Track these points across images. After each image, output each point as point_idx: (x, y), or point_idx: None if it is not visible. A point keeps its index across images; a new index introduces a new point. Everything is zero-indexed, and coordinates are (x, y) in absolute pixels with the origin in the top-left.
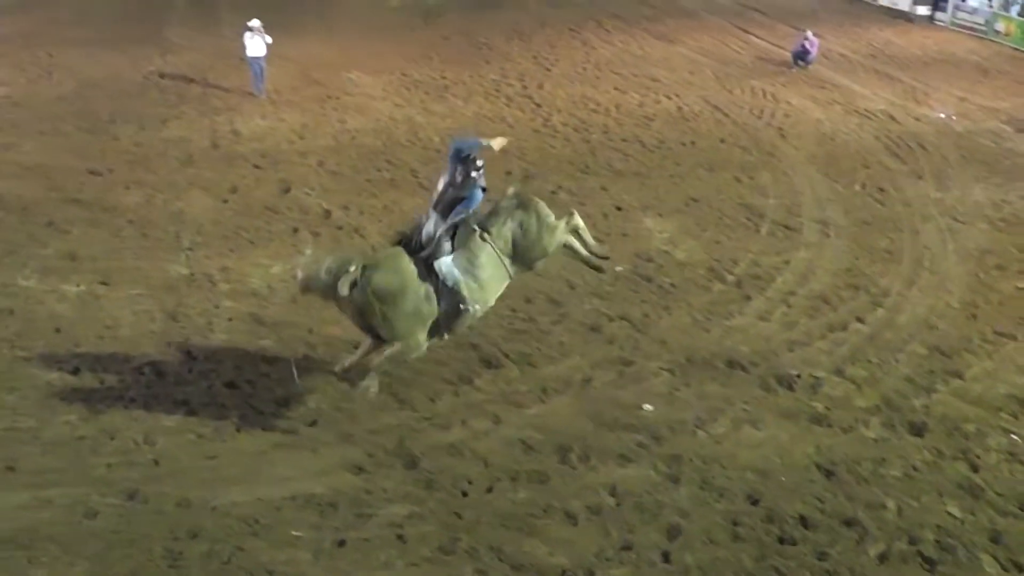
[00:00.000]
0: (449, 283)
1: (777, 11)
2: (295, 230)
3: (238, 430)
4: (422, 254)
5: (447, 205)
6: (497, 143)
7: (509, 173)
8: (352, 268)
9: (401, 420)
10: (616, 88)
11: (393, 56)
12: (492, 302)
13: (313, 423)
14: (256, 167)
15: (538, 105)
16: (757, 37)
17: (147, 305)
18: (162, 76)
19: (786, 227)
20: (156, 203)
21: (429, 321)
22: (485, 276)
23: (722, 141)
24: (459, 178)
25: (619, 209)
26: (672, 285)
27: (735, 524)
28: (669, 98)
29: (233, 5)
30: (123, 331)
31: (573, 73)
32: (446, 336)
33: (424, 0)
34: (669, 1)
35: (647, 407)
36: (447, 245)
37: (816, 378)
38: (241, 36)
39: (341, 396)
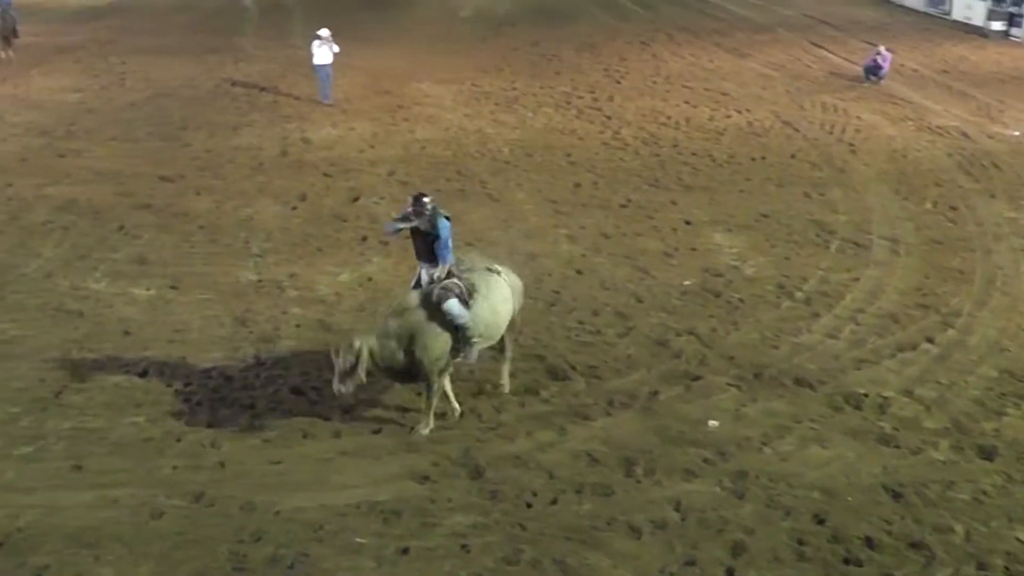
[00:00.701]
0: (458, 323)
1: (849, 25)
2: (363, 238)
3: (304, 436)
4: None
5: (428, 247)
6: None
7: (578, 185)
8: (357, 347)
9: (466, 430)
10: (686, 102)
11: (463, 67)
12: (496, 336)
13: (378, 431)
14: (325, 175)
15: (608, 118)
16: (829, 52)
17: (216, 310)
18: (234, 84)
19: (856, 244)
20: (226, 209)
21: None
22: (497, 308)
23: (792, 156)
24: (422, 224)
25: (688, 223)
26: (740, 300)
27: (800, 543)
28: (739, 112)
29: (306, 16)
30: (192, 335)
31: (643, 86)
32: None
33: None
34: (740, 15)
35: (713, 423)
36: (454, 287)
37: (884, 398)
38: (311, 45)
39: (407, 404)
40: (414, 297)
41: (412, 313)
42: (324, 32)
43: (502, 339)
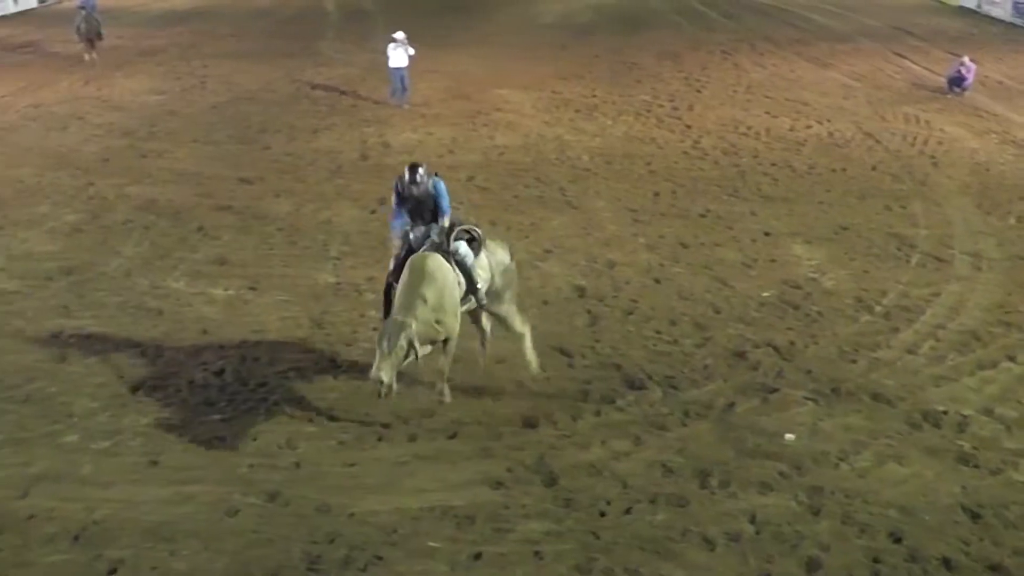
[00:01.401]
0: (468, 263)
1: (933, 35)
2: None
3: (379, 439)
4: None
5: (427, 210)
6: None
7: (657, 194)
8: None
9: (542, 437)
10: (767, 112)
11: (544, 73)
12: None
13: (454, 436)
14: None
15: (688, 127)
16: (912, 62)
17: (294, 311)
18: (314, 88)
19: (937, 259)
20: (305, 212)
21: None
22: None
23: (873, 168)
24: (416, 190)
25: (767, 235)
26: (819, 313)
27: (876, 561)
28: (820, 123)
29: (388, 20)
30: (269, 336)
31: (724, 95)
32: None
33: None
34: (823, 25)
35: (789, 436)
36: (463, 233)
37: (963, 416)
38: (387, 48)
39: (483, 410)
40: (432, 260)
41: (439, 274)
42: (399, 35)
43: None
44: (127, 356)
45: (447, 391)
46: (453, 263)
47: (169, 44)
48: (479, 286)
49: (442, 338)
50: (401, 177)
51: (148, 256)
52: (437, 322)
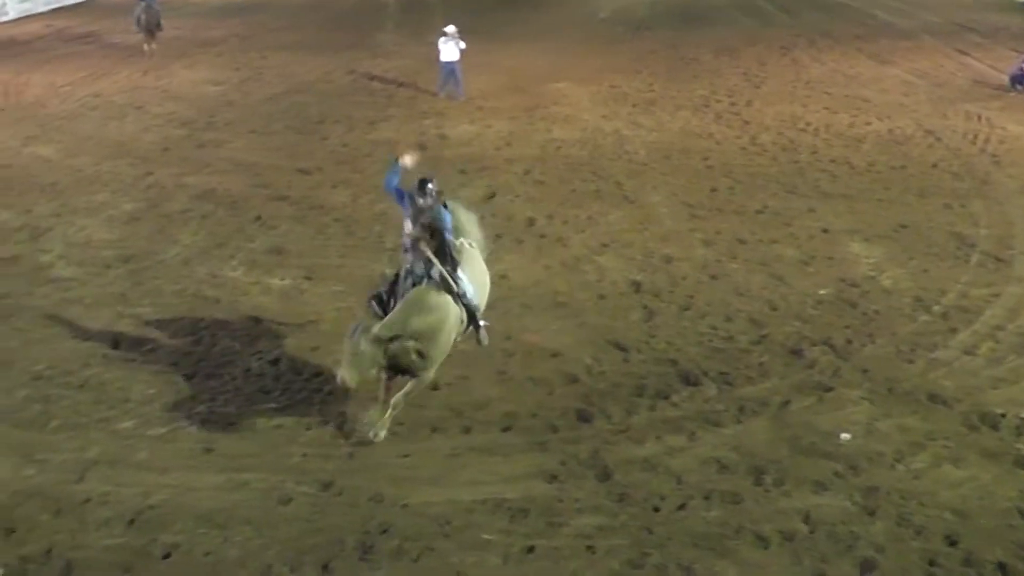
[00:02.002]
0: (474, 305)
1: (995, 32)
2: (498, 236)
3: (433, 430)
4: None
5: (430, 233)
6: (408, 160)
7: (715, 190)
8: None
9: (596, 431)
10: (826, 108)
11: (601, 68)
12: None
13: (508, 428)
14: (462, 172)
15: (746, 122)
16: (974, 59)
17: (349, 302)
18: (371, 79)
19: (997, 259)
20: (362, 203)
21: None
22: (483, 281)
23: (934, 166)
24: (423, 205)
25: (825, 232)
26: (876, 312)
27: (931, 564)
28: (880, 120)
29: (446, 13)
30: (324, 326)
31: (782, 91)
32: None
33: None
34: (884, 20)
35: (845, 436)
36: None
37: (1022, 419)
38: (438, 41)
39: (537, 404)
40: (439, 296)
41: (440, 311)
42: (450, 28)
43: None
44: (183, 344)
45: (384, 428)
46: (461, 305)
47: (228, 35)
48: (482, 324)
49: (418, 372)
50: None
51: (205, 245)
52: (419, 353)
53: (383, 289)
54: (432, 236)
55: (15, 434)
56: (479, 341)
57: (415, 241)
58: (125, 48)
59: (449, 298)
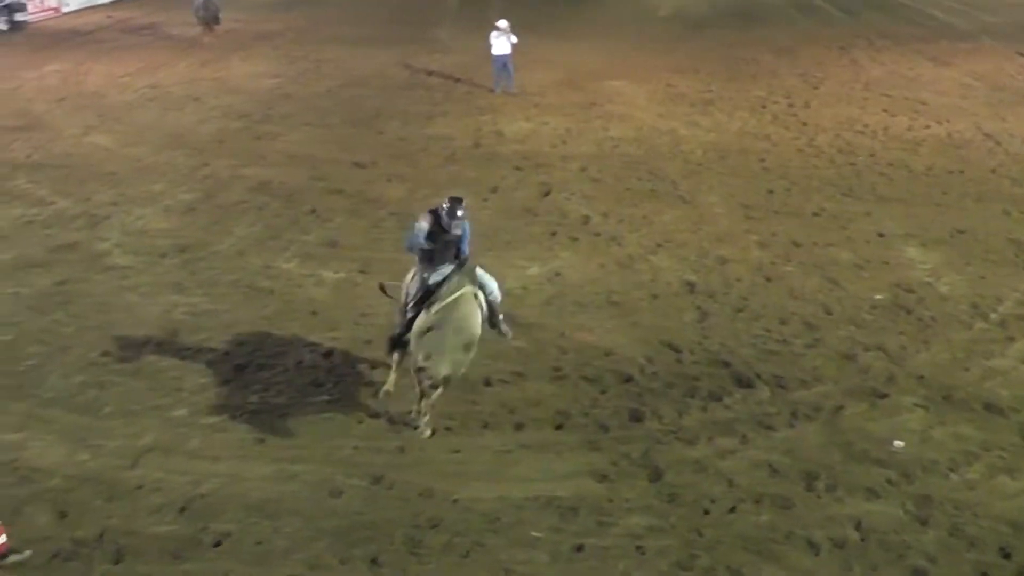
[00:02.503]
0: (497, 301)
1: None
2: (553, 233)
3: (485, 426)
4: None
5: (448, 252)
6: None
7: (771, 191)
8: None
9: (648, 431)
10: (884, 110)
11: (659, 66)
12: None
13: (559, 427)
14: (517, 168)
15: (804, 124)
16: None
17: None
18: (429, 74)
19: None
20: (417, 198)
21: None
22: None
23: (992, 171)
24: (455, 228)
25: (881, 236)
26: (932, 319)
27: None
28: (939, 123)
29: (504, 8)
30: (379, 319)
31: (840, 93)
32: None
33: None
34: (943, 22)
35: (899, 443)
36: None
37: None
38: (489, 35)
39: (589, 402)
40: (468, 305)
41: (472, 319)
42: (502, 23)
43: None
44: (237, 334)
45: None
46: (483, 302)
47: (285, 28)
48: (500, 317)
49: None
50: (438, 211)
51: (260, 236)
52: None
53: (399, 327)
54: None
55: (70, 419)
56: (501, 334)
57: (438, 250)
58: (184, 40)
59: (474, 302)
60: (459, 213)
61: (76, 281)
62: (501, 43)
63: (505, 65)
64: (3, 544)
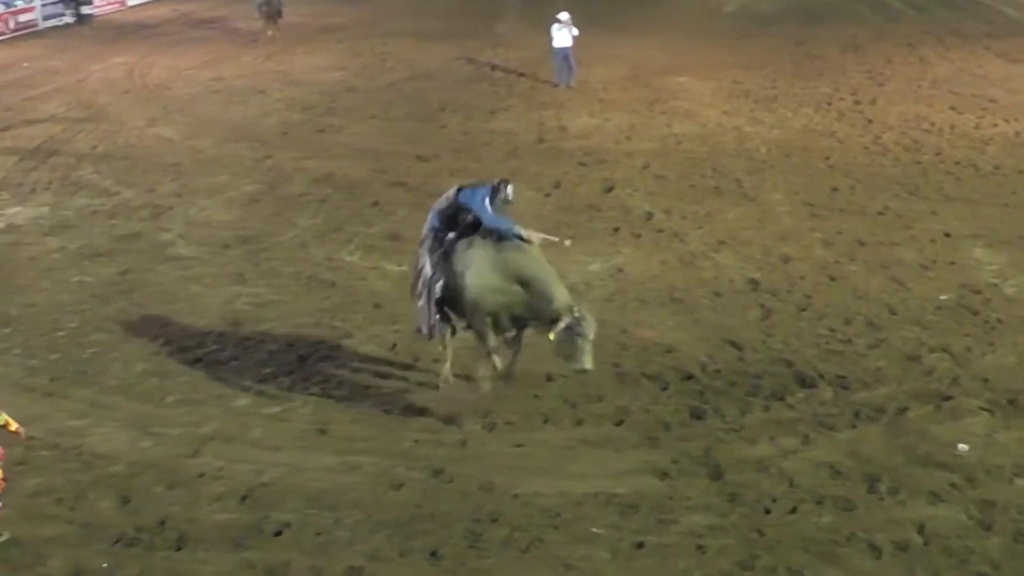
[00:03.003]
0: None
1: None
2: (616, 229)
3: (545, 421)
4: None
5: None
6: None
7: (835, 189)
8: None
9: (709, 429)
10: (952, 108)
11: (724, 63)
12: None
13: (620, 423)
14: (580, 164)
15: (869, 121)
16: None
17: None
18: (493, 69)
19: None
20: None
21: None
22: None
23: None
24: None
25: (947, 236)
26: (998, 320)
27: None
28: (1007, 121)
29: (569, 3)
30: None
31: (907, 90)
32: None
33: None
34: (1014, 18)
35: (962, 447)
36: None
37: None
38: (551, 28)
39: (650, 399)
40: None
41: None
42: (564, 16)
43: None
44: (299, 325)
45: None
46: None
47: (350, 22)
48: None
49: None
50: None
51: (323, 228)
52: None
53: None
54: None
55: (132, 407)
56: None
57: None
58: (248, 33)
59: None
60: (507, 189)
61: (139, 271)
62: (563, 36)
63: (567, 58)
64: None
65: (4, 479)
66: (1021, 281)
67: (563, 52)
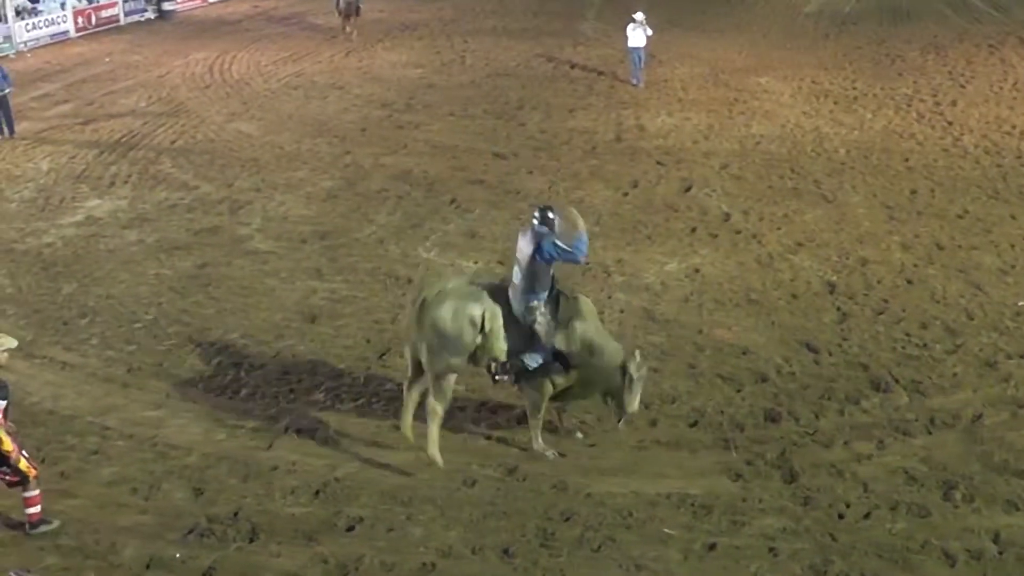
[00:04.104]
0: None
1: None
2: (693, 230)
3: (620, 421)
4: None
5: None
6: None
7: (914, 192)
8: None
9: (784, 432)
10: None
11: (804, 63)
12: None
13: (694, 424)
14: (658, 163)
15: (949, 123)
16: None
17: None
18: (572, 67)
19: None
20: (557, 190)
21: None
22: None
23: None
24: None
25: None
26: None
27: None
28: None
29: (649, 3)
30: None
31: (989, 92)
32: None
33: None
34: None
35: None
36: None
37: None
38: (626, 28)
39: (725, 401)
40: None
41: None
42: (639, 15)
43: None
44: (375, 321)
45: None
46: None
47: (430, 19)
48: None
49: None
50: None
51: (400, 225)
52: None
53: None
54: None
55: (208, 399)
56: None
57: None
58: (328, 30)
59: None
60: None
61: (217, 264)
62: (637, 35)
63: (640, 57)
64: (36, 514)
65: (36, 468)
66: None
67: (637, 52)
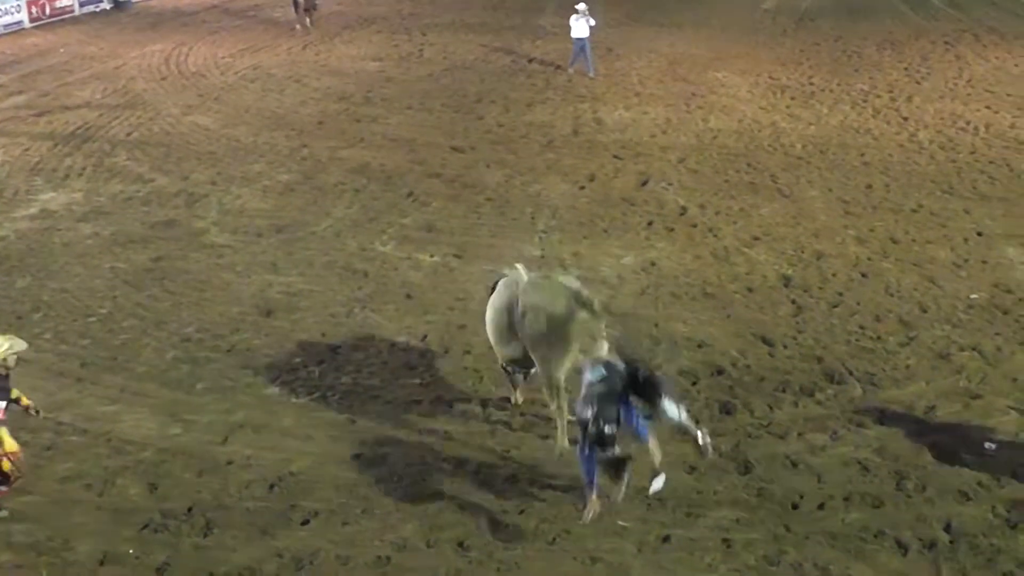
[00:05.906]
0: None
1: None
2: (649, 223)
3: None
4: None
5: None
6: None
7: (870, 186)
8: None
9: (739, 424)
10: (988, 107)
11: (762, 58)
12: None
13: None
14: (616, 157)
15: (905, 119)
16: None
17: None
18: (531, 61)
19: None
20: (515, 184)
21: None
22: None
23: None
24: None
25: (980, 235)
26: None
27: None
28: None
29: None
30: (472, 304)
31: (944, 88)
32: None
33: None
34: None
35: (990, 445)
36: None
37: None
38: (569, 19)
39: (681, 393)
40: None
41: None
42: (581, 6)
43: None
44: (332, 315)
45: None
46: None
47: (389, 12)
48: None
49: None
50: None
51: (358, 218)
52: None
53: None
54: None
55: (163, 393)
56: None
57: None
58: (286, 23)
59: None
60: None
61: (173, 258)
62: (580, 25)
63: (583, 48)
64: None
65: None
66: None
67: (580, 43)
